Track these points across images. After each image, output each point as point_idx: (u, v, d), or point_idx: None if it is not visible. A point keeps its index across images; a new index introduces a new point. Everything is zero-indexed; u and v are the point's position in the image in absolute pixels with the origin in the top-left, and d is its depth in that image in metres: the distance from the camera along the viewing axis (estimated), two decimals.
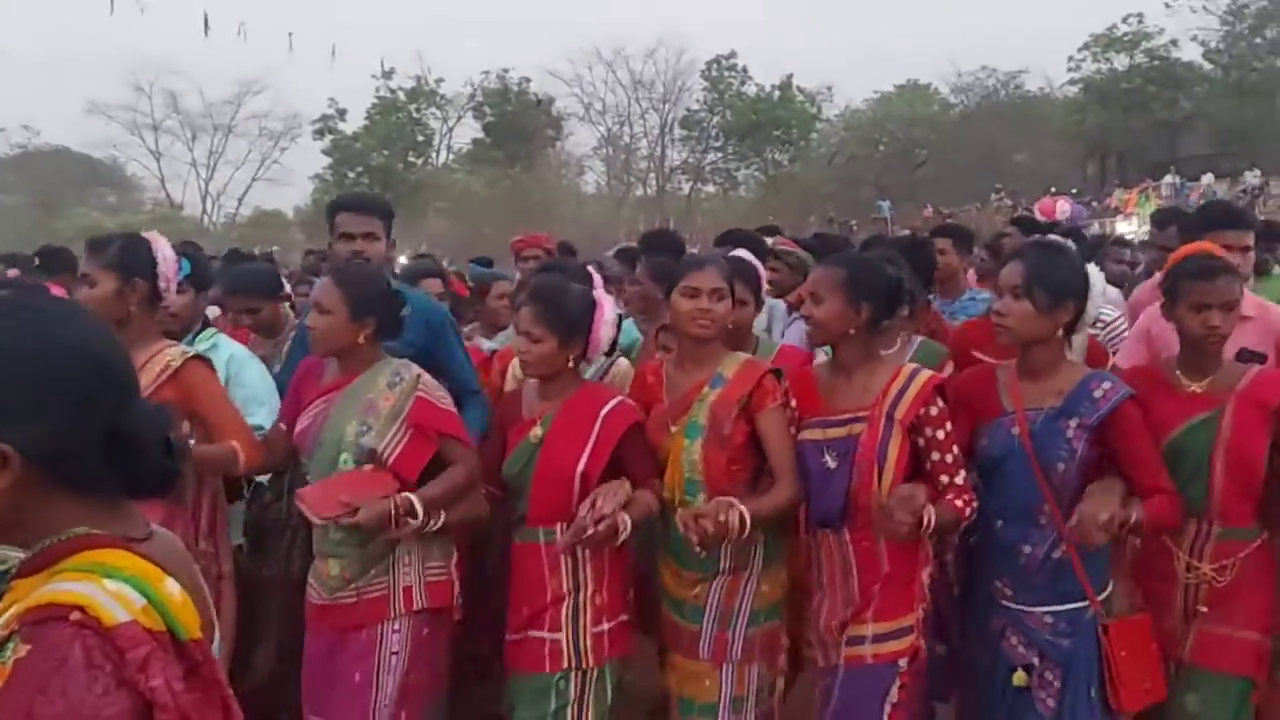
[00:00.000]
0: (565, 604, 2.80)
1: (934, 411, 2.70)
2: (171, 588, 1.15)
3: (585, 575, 2.81)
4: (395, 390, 2.87)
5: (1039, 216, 20.53)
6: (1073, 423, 2.65)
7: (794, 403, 2.85)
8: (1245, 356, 3.01)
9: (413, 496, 2.75)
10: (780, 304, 4.45)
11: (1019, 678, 2.68)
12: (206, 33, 25.22)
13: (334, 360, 2.97)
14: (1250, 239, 3.62)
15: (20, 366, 1.11)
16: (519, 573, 2.87)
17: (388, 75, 47.49)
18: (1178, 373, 2.84)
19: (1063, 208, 23.31)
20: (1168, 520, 2.65)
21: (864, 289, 2.73)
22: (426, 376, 2.94)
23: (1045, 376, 2.72)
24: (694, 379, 2.90)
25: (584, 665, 2.78)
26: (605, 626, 2.82)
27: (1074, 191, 31.53)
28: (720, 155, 50.82)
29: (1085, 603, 2.67)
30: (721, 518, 2.58)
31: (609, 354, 3.20)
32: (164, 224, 35.76)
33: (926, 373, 2.77)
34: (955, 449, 2.70)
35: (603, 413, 2.83)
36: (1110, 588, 2.74)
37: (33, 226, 33.91)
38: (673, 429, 2.87)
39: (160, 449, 1.20)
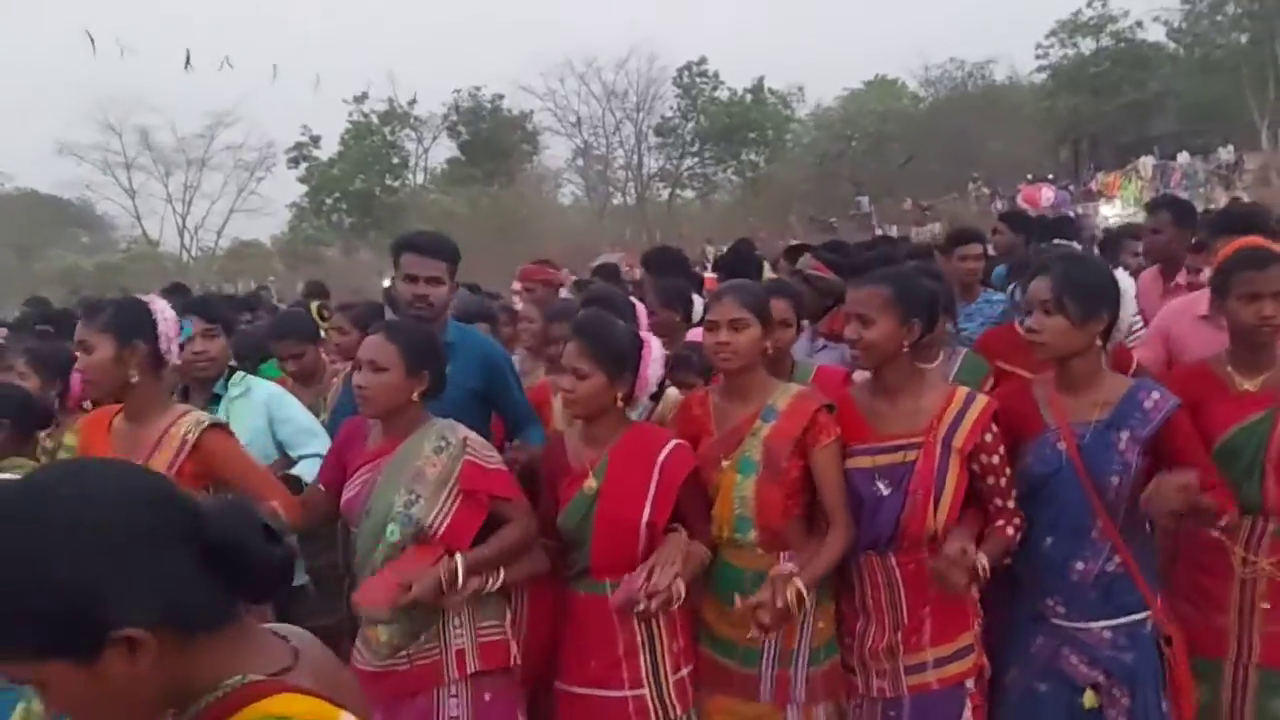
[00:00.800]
0: (643, 657, 2.73)
1: (989, 438, 2.66)
2: None
3: (659, 625, 2.75)
4: (443, 455, 2.75)
5: (1022, 204, 20.59)
6: (1124, 435, 2.60)
7: (840, 431, 2.76)
8: None
9: (458, 559, 2.64)
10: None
11: (1090, 699, 2.62)
12: (188, 67, 25.20)
13: (378, 421, 2.84)
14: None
15: (100, 543, 1.01)
16: (582, 624, 2.80)
17: (360, 100, 47.37)
18: (1229, 370, 2.80)
19: (1046, 194, 23.35)
20: (1225, 508, 2.60)
21: (913, 305, 2.66)
22: (474, 437, 2.83)
23: (1086, 389, 2.67)
24: (744, 412, 2.81)
25: (673, 716, 2.74)
26: (684, 672, 2.78)
27: (1050, 177, 31.64)
28: (697, 160, 50.86)
29: (1143, 614, 2.64)
30: (780, 604, 2.47)
31: (653, 398, 3.07)
32: (142, 261, 35.66)
33: (983, 398, 2.73)
34: (1008, 472, 2.67)
35: (660, 459, 2.75)
36: (1159, 598, 2.71)
37: (10, 272, 33.64)
38: (724, 464, 2.78)
39: (259, 539, 1.11)
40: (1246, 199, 13.16)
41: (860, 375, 3.16)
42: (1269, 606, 2.69)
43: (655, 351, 2.86)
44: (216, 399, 3.60)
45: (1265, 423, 2.71)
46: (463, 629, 2.74)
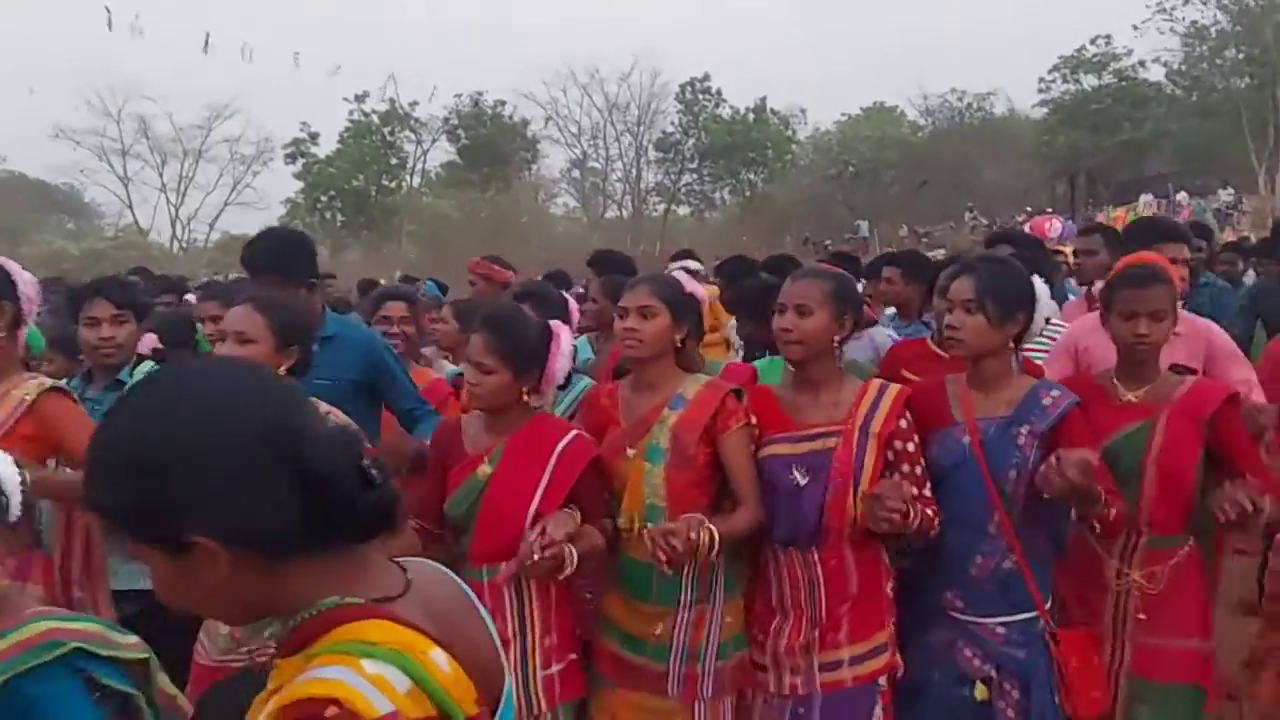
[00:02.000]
0: (512, 648, 2.66)
1: (904, 424, 2.74)
2: (438, 659, 1.05)
3: (533, 616, 2.69)
4: None
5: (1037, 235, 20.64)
6: (1024, 430, 2.69)
7: (754, 420, 2.78)
8: (1175, 371, 3.05)
9: None
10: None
11: (980, 692, 2.69)
12: (206, 50, 25.01)
13: None
14: (1184, 252, 3.64)
15: (189, 451, 1.04)
16: None
17: (361, 99, 47.28)
18: (1115, 381, 2.90)
19: (1054, 226, 23.49)
20: (1118, 519, 2.68)
21: (847, 302, 2.75)
22: None
23: (996, 387, 2.77)
24: (652, 401, 2.81)
25: (536, 712, 2.66)
26: (555, 669, 2.70)
27: (1048, 210, 31.79)
28: (695, 177, 50.94)
29: (1035, 613, 2.70)
30: (692, 535, 2.48)
31: (562, 387, 3.03)
32: (130, 250, 35.27)
33: (896, 386, 2.82)
34: (922, 461, 2.74)
35: (558, 449, 2.71)
36: (1053, 599, 2.78)
37: None
38: (630, 453, 2.77)
39: (357, 477, 1.09)
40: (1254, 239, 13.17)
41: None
42: (1144, 618, 2.77)
43: (564, 345, 2.85)
44: (120, 385, 3.50)
45: (1143, 432, 2.79)
46: None
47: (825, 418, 2.74)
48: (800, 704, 2.70)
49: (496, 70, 72.64)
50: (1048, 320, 3.03)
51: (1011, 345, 2.77)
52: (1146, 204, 29.06)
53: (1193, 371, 3.11)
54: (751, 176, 49.85)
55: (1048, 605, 2.74)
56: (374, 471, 1.11)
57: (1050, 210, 31.71)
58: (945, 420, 2.79)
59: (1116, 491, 2.67)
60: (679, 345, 2.86)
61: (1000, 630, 2.69)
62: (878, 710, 2.67)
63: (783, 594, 2.76)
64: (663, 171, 50.81)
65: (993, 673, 2.68)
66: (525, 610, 2.68)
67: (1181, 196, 30.42)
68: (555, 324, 2.88)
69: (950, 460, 2.74)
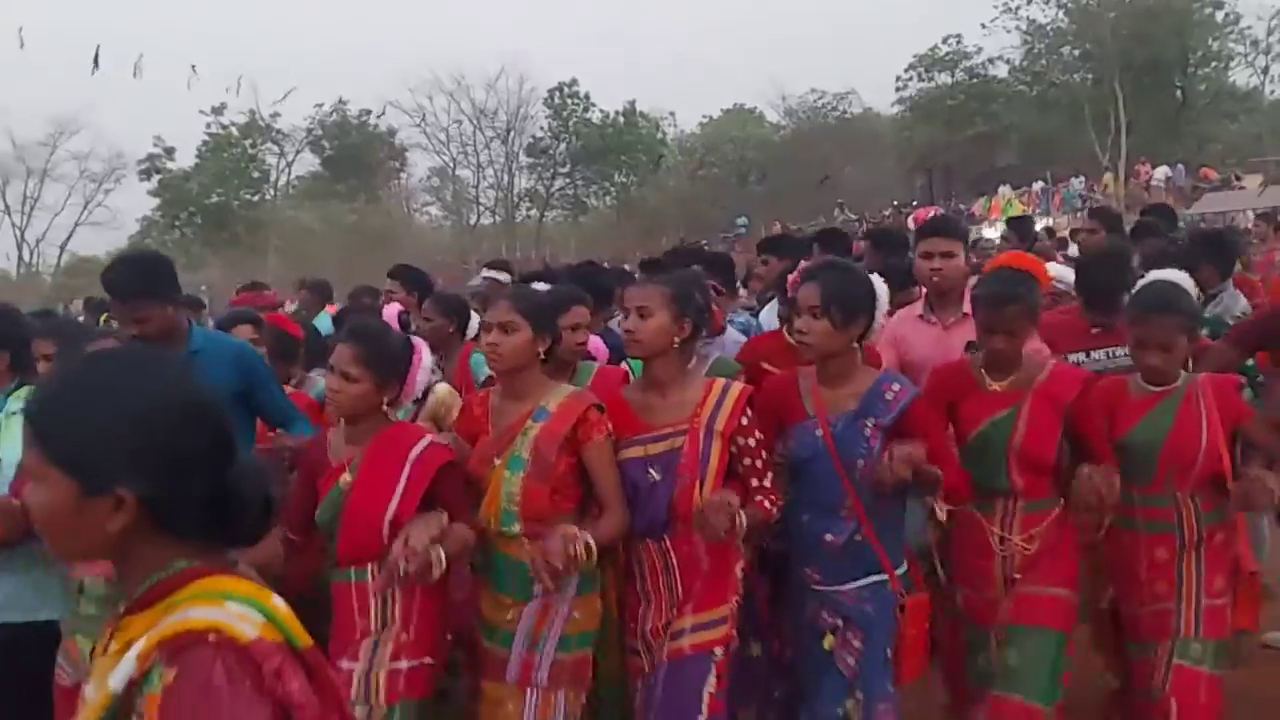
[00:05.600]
0: (371, 638, 2.79)
1: (745, 421, 2.92)
2: (279, 603, 1.28)
3: (394, 614, 2.80)
4: None
5: (912, 225, 21.15)
6: (870, 423, 2.92)
7: (611, 427, 2.94)
8: (970, 347, 3.33)
9: None
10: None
11: (828, 641, 2.93)
12: (95, 70, 23.63)
13: None
14: (952, 246, 3.78)
15: (149, 423, 1.24)
16: (337, 611, 2.87)
17: (219, 111, 45.50)
18: (982, 371, 3.14)
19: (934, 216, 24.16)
20: (960, 491, 2.95)
21: (687, 306, 2.92)
22: None
23: (843, 383, 2.99)
24: (518, 411, 2.94)
25: (369, 702, 2.71)
26: (403, 665, 2.76)
27: (914, 203, 32.85)
28: (568, 181, 50.83)
29: (885, 576, 2.94)
30: (571, 552, 2.62)
31: (419, 401, 3.18)
32: None
33: (738, 385, 3.01)
34: (764, 454, 2.94)
35: (412, 455, 2.82)
36: (905, 566, 3.02)
37: None
38: (496, 461, 2.90)
39: (261, 506, 1.33)
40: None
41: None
42: (1020, 577, 3.05)
43: (425, 360, 3.02)
44: None
45: (1009, 419, 3.05)
46: None
47: (673, 418, 2.93)
48: (654, 675, 2.88)
49: (359, 74, 71.01)
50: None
51: (855, 345, 3.00)
52: (1006, 194, 30.38)
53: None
54: (623, 180, 50.05)
55: (899, 571, 2.98)
56: (274, 503, 1.36)
57: (915, 203, 32.79)
58: (799, 415, 3.01)
59: (961, 469, 2.97)
60: (543, 357, 2.99)
61: (853, 592, 2.94)
62: (711, 679, 2.82)
63: (644, 582, 2.95)
64: (534, 177, 50.57)
65: (839, 623, 2.93)
66: (389, 608, 2.80)
67: (1037, 185, 31.99)
68: (417, 341, 3.07)
69: (807, 452, 2.96)
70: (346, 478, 2.83)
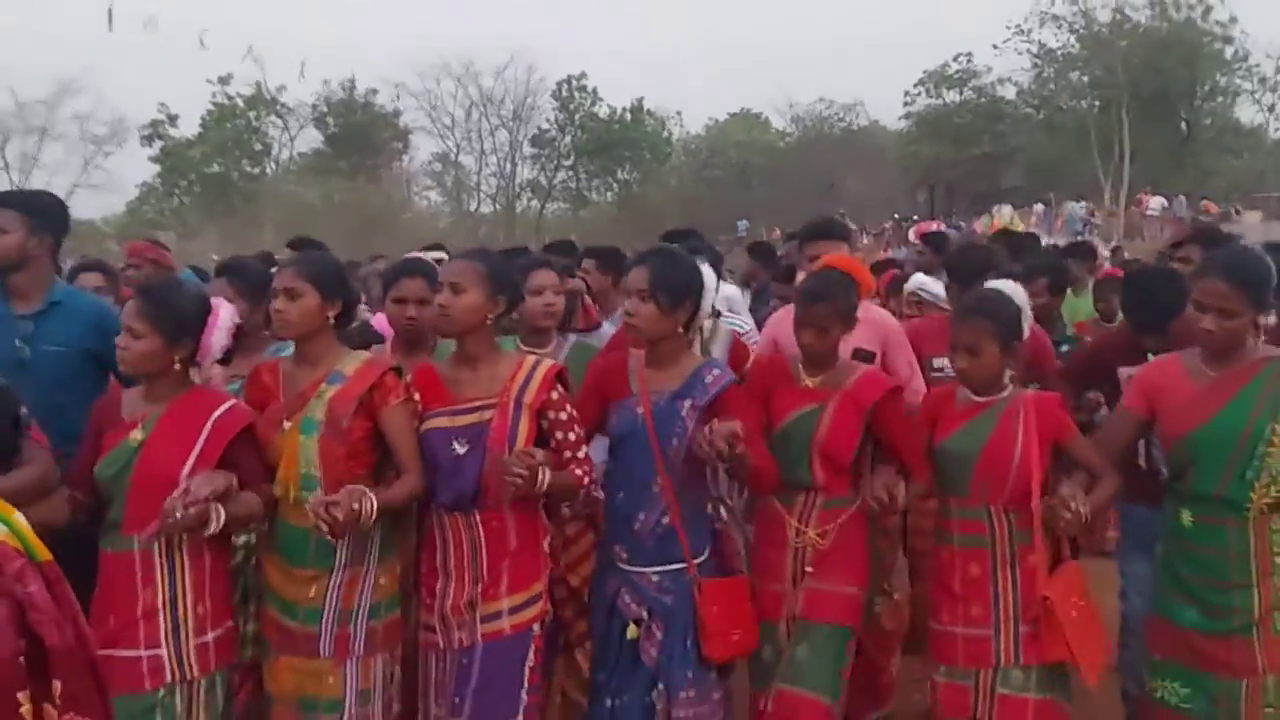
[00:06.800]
0: (162, 617, 2.72)
1: (555, 396, 2.98)
2: (20, 518, 1.38)
3: (185, 585, 2.76)
4: None
5: (915, 239, 21.16)
6: (687, 404, 3.01)
7: (418, 396, 2.97)
8: (858, 354, 3.43)
9: None
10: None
11: (632, 631, 3.03)
12: (110, 27, 23.43)
13: None
14: (838, 249, 3.90)
15: None
16: (108, 583, 2.76)
17: (225, 81, 45.31)
18: (800, 367, 3.25)
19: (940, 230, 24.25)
20: (767, 476, 3.06)
21: (502, 285, 2.97)
22: None
23: (668, 365, 3.09)
24: (312, 376, 2.94)
25: (189, 677, 2.73)
26: (210, 636, 2.78)
27: (915, 217, 32.88)
28: (571, 174, 50.74)
29: (684, 564, 3.03)
30: (355, 505, 2.65)
31: (224, 362, 3.10)
32: None
33: (548, 362, 3.07)
34: (577, 429, 3.00)
35: (212, 417, 2.81)
36: (707, 553, 3.10)
37: None
38: (286, 425, 2.87)
39: (8, 424, 1.41)
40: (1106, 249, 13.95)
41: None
42: (812, 570, 3.12)
43: (223, 320, 2.96)
44: None
45: (814, 415, 3.15)
46: None
47: (483, 391, 2.96)
48: (465, 655, 2.91)
49: (368, 55, 70.83)
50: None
51: (682, 330, 3.09)
52: (1008, 214, 30.35)
53: (873, 354, 3.59)
54: (626, 176, 49.95)
55: (699, 560, 3.07)
56: (22, 422, 1.43)
57: (916, 217, 32.79)
58: (624, 393, 3.10)
59: (769, 456, 3.07)
60: (332, 322, 2.98)
61: (655, 578, 3.04)
62: (531, 653, 2.93)
63: (446, 556, 2.96)
64: (538, 167, 50.49)
65: (644, 615, 3.03)
66: (177, 580, 2.74)
67: (1037, 207, 32.02)
68: (215, 300, 3.00)
69: (625, 429, 3.06)
70: (137, 434, 2.76)
